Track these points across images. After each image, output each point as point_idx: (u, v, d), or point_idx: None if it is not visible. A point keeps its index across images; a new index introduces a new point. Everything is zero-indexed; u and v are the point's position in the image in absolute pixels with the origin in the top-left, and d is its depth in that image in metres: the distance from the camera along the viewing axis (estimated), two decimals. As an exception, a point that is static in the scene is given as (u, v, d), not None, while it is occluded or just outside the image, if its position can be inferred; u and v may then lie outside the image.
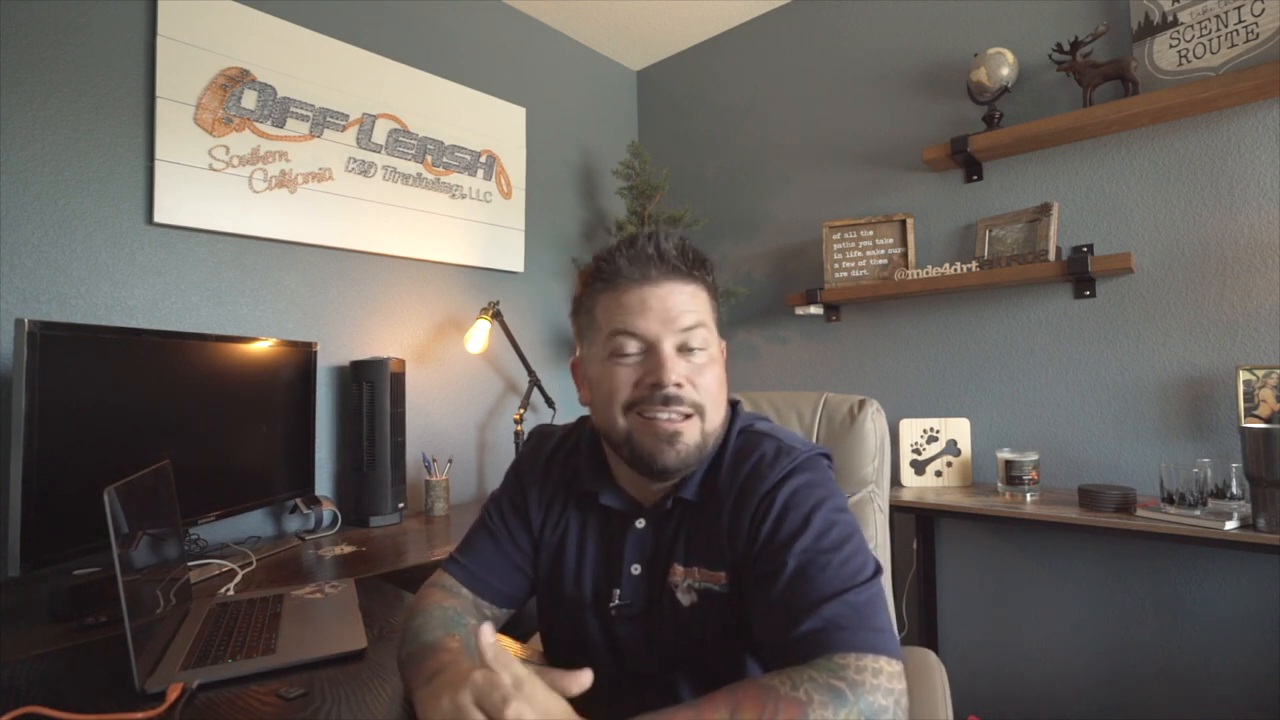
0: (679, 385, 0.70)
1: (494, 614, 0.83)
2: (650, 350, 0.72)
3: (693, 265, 0.75)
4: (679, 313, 0.72)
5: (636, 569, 0.77)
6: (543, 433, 0.91)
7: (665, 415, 0.70)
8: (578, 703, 0.55)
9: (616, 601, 0.77)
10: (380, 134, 1.95)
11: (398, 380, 1.80)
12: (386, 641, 0.91)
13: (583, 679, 0.55)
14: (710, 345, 0.74)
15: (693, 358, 0.72)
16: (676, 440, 0.71)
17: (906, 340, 2.09)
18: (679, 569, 0.75)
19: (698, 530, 0.75)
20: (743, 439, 0.78)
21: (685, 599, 0.74)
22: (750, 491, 0.72)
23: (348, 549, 1.51)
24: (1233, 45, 1.54)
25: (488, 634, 0.55)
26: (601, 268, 0.75)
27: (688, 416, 0.71)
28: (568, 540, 0.82)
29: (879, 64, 2.17)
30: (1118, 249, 1.73)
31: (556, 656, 0.86)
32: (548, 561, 0.83)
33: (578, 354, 0.81)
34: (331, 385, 1.85)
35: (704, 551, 0.74)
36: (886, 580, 0.97)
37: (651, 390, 0.70)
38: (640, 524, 0.78)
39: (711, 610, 0.73)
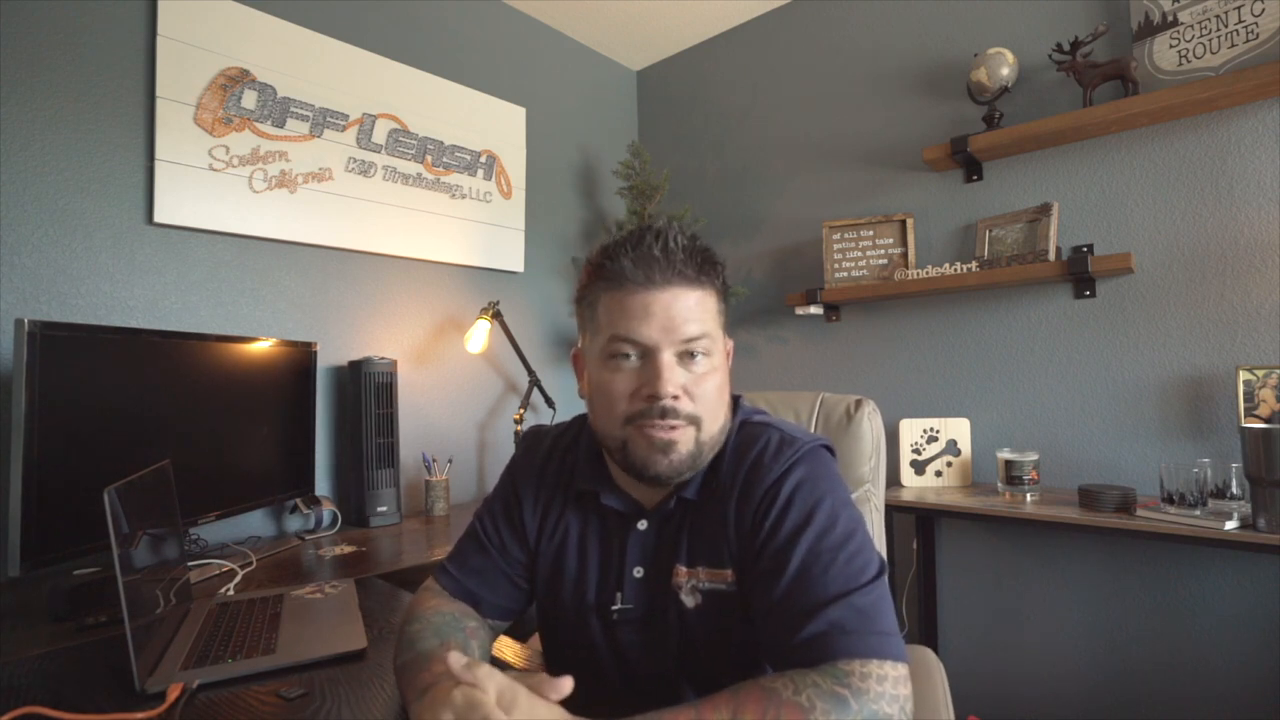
0: (675, 397, 0.69)
1: (490, 625, 0.81)
2: (649, 358, 0.69)
3: (701, 268, 0.71)
4: (682, 321, 0.69)
5: (639, 572, 0.75)
6: (537, 433, 0.89)
7: (659, 426, 0.69)
8: (581, 709, 0.55)
9: (618, 605, 0.75)
10: (380, 134, 1.95)
11: (396, 380, 1.80)
12: (386, 641, 0.91)
13: (562, 686, 0.54)
14: (713, 353, 0.72)
15: (694, 366, 0.70)
16: (670, 450, 0.69)
17: (906, 340, 2.09)
18: (682, 570, 0.73)
19: (700, 528, 0.73)
20: (744, 432, 0.76)
21: (690, 600, 0.72)
22: (754, 484, 0.71)
23: (348, 549, 1.51)
24: (1233, 45, 1.54)
25: (456, 659, 0.54)
26: (606, 266, 0.71)
27: (682, 427, 0.70)
28: (568, 544, 0.80)
29: (879, 64, 2.17)
30: (1118, 249, 1.73)
31: (558, 663, 0.83)
32: (547, 567, 0.81)
33: (579, 345, 0.79)
34: (331, 385, 1.85)
35: (708, 549, 0.72)
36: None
37: (649, 401, 0.69)
38: (642, 525, 0.77)
39: (718, 611, 0.71)
